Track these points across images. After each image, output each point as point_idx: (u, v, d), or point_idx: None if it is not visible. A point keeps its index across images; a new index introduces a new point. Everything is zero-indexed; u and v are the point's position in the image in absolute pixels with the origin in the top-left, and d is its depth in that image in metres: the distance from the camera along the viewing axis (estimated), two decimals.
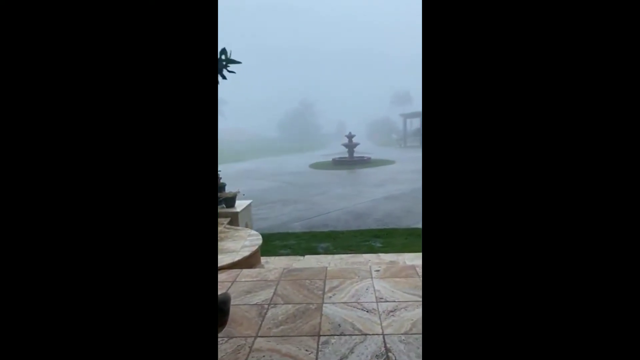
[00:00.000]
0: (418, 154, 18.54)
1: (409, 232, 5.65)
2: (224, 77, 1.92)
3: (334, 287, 2.40)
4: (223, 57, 1.91)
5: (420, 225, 5.94)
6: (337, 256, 4.32)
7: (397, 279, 2.48)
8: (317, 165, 16.99)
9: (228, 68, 1.93)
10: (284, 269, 2.82)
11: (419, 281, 2.43)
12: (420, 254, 4.18)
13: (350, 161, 17.31)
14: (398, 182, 10.77)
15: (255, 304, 2.22)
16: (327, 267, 2.86)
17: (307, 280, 2.52)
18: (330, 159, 18.14)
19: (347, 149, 18.04)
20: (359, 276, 2.56)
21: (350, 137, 17.87)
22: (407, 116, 29.65)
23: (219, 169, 4.79)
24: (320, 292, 2.33)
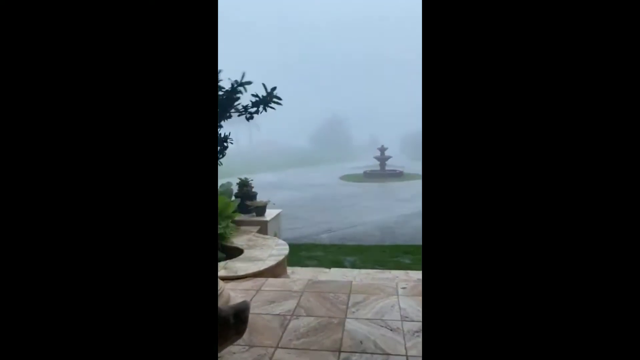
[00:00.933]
0: None
1: None
2: (264, 109, 1.86)
3: (358, 302, 2.35)
4: (265, 94, 1.85)
5: None
6: (363, 271, 4.24)
7: None
8: (347, 178, 16.93)
9: (270, 104, 1.90)
10: (309, 280, 2.81)
11: None
12: None
13: (382, 174, 17.10)
14: None
15: (278, 314, 2.22)
16: (352, 282, 2.82)
17: (331, 294, 2.49)
18: (362, 172, 18.02)
19: (379, 162, 17.86)
20: (384, 292, 2.50)
21: (382, 149, 17.69)
22: None
23: (251, 179, 4.92)
24: (344, 307, 2.30)
